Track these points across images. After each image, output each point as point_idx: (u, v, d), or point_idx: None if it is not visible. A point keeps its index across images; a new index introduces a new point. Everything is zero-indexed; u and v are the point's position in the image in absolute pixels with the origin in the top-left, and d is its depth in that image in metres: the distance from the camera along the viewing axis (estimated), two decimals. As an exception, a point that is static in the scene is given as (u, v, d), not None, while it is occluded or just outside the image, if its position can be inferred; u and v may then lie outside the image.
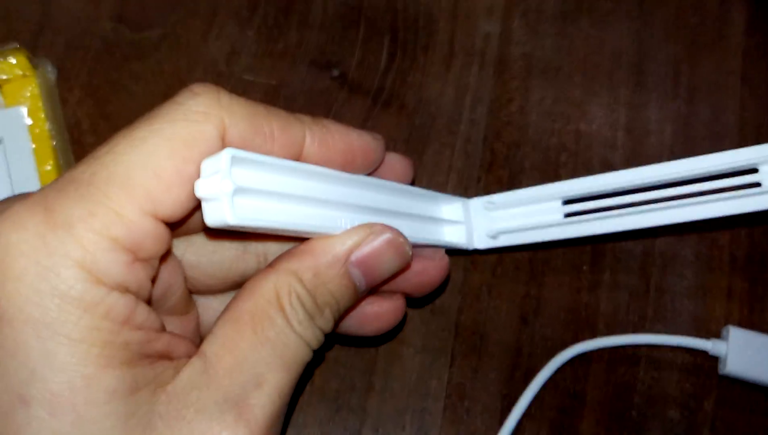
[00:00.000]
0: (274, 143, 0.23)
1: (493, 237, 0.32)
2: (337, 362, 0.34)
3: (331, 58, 0.40)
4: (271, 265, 0.23)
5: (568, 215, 0.31)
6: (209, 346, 0.21)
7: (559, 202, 0.31)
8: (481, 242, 0.32)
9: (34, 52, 0.38)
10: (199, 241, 0.26)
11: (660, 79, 0.40)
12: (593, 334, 0.35)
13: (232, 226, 0.21)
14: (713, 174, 0.28)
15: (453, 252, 0.32)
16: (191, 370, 0.21)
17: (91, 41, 0.39)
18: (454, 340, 0.35)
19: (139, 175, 0.20)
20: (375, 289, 0.26)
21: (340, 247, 0.24)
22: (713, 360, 0.35)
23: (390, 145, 0.38)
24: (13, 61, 0.36)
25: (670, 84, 0.40)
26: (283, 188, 0.23)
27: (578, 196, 0.31)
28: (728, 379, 0.35)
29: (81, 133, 0.38)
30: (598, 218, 0.30)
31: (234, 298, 0.23)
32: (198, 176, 0.21)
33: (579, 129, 0.39)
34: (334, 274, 0.23)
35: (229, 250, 0.27)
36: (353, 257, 0.24)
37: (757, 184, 0.27)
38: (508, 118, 0.39)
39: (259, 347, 0.21)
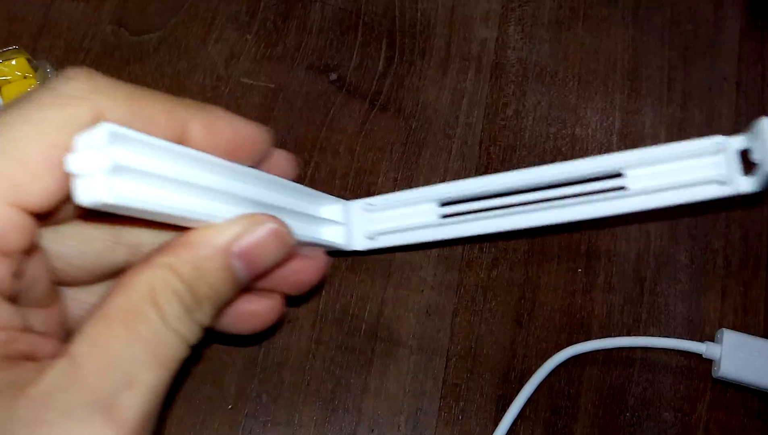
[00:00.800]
0: (157, 128, 0.22)
1: (371, 238, 0.32)
2: (333, 363, 0.34)
3: (329, 62, 0.40)
4: (147, 258, 0.21)
5: (444, 217, 0.32)
6: (77, 346, 0.20)
7: (435, 205, 0.32)
8: (359, 243, 0.33)
9: (34, 54, 0.38)
10: (67, 230, 0.24)
11: (654, 84, 0.41)
12: (588, 337, 0.36)
13: (106, 206, 0.19)
14: (583, 178, 0.29)
15: (333, 253, 0.32)
16: (56, 371, 0.19)
17: (91, 44, 0.39)
18: (449, 341, 0.35)
19: (1, 163, 0.19)
20: (256, 280, 0.25)
21: (221, 238, 0.22)
22: (707, 363, 0.35)
23: (387, 148, 0.38)
24: (13, 62, 0.36)
25: (664, 89, 0.41)
26: (164, 171, 0.21)
27: (454, 199, 0.31)
28: (722, 381, 0.35)
29: (80, 134, 0.38)
30: (473, 220, 0.31)
31: (106, 295, 0.21)
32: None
33: (574, 133, 0.39)
34: (215, 266, 0.22)
35: (98, 240, 0.25)
36: (235, 249, 0.22)
37: (623, 188, 0.28)
38: (504, 122, 0.39)
39: (131, 345, 0.20)
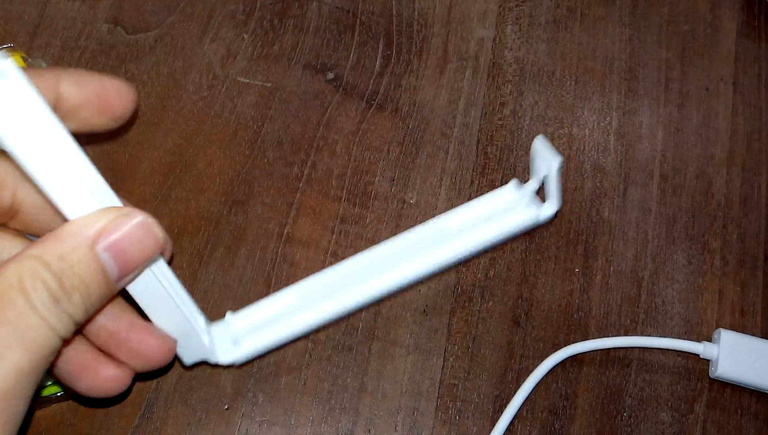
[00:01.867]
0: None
1: (235, 343, 0.31)
2: (330, 362, 0.34)
3: (326, 62, 0.40)
4: (17, 254, 0.22)
5: (236, 343, 0.31)
6: None
7: (294, 298, 0.32)
8: (223, 355, 0.31)
9: (30, 52, 0.38)
10: None
11: (652, 84, 0.41)
12: (585, 337, 0.35)
13: None
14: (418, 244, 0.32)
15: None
16: None
17: (86, 42, 0.39)
18: (446, 341, 0.35)
19: None
20: (128, 278, 0.25)
21: (87, 231, 0.22)
22: (704, 363, 0.35)
23: (384, 148, 0.38)
24: (8, 61, 0.36)
25: (661, 89, 0.41)
26: (44, 143, 0.22)
27: (311, 291, 0.32)
28: (719, 381, 0.35)
29: (76, 133, 0.38)
30: (330, 300, 0.31)
31: None
32: None
33: (571, 133, 0.39)
34: (81, 258, 0.22)
35: None
36: (101, 241, 0.22)
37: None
38: (501, 121, 0.39)
39: None
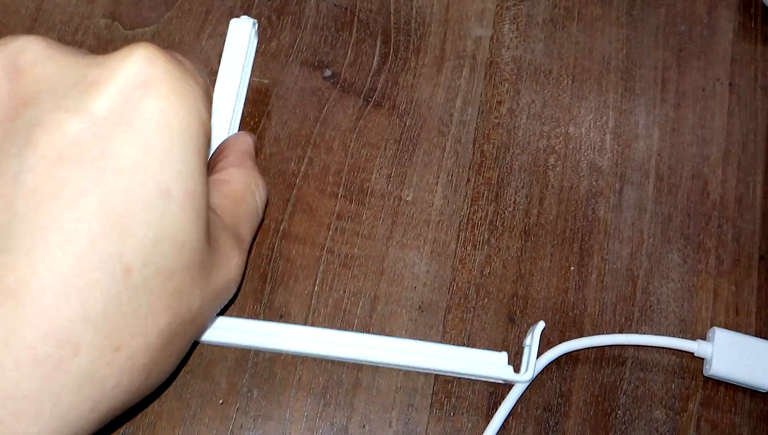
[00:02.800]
0: None
1: None
2: (325, 358, 0.34)
3: (324, 59, 0.40)
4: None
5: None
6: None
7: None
8: None
9: (27, 46, 0.38)
10: None
11: (648, 84, 0.41)
12: (580, 334, 0.36)
13: None
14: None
15: None
16: None
17: (84, 37, 0.39)
18: (441, 338, 0.35)
19: None
20: None
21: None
22: (699, 361, 0.36)
23: (381, 145, 0.38)
24: (6, 54, 0.36)
25: (658, 89, 0.41)
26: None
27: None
28: (713, 380, 0.35)
29: (72, 128, 0.38)
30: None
31: None
32: None
33: (568, 132, 0.39)
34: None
35: None
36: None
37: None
38: (498, 120, 0.39)
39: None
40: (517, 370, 0.34)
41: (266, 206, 0.33)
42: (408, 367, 0.34)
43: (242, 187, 0.29)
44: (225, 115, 0.35)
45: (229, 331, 0.33)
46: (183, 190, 0.22)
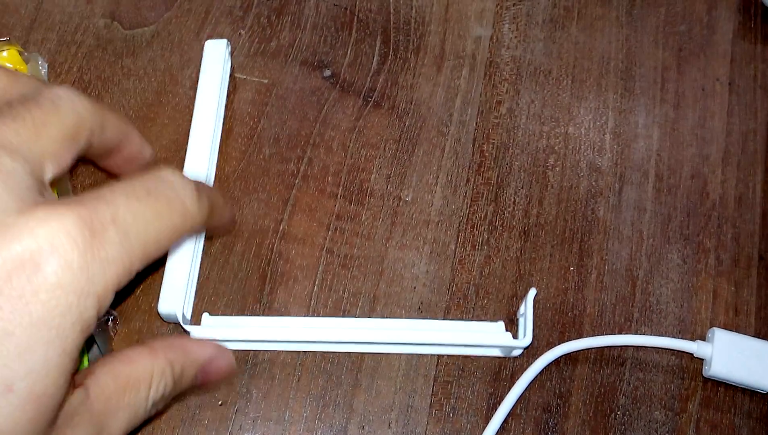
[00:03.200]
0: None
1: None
2: (324, 359, 0.34)
3: (323, 59, 0.40)
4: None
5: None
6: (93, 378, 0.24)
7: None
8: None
9: (26, 46, 0.38)
10: None
11: (648, 84, 0.41)
12: (579, 335, 0.36)
13: None
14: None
15: None
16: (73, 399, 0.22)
17: (83, 37, 0.39)
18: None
19: None
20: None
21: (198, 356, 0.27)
22: (698, 362, 0.36)
23: (381, 145, 0.38)
24: (4, 54, 0.36)
25: (657, 89, 0.41)
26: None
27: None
28: (713, 380, 0.35)
29: (72, 128, 0.38)
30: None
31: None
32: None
33: (567, 132, 0.39)
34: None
35: None
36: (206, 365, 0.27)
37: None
38: (497, 120, 0.39)
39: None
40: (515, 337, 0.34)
41: (166, 406, 0.29)
42: (411, 344, 0.34)
43: (140, 375, 0.24)
44: (204, 141, 0.36)
45: (230, 329, 0.33)
46: (29, 391, 0.19)
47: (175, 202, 0.23)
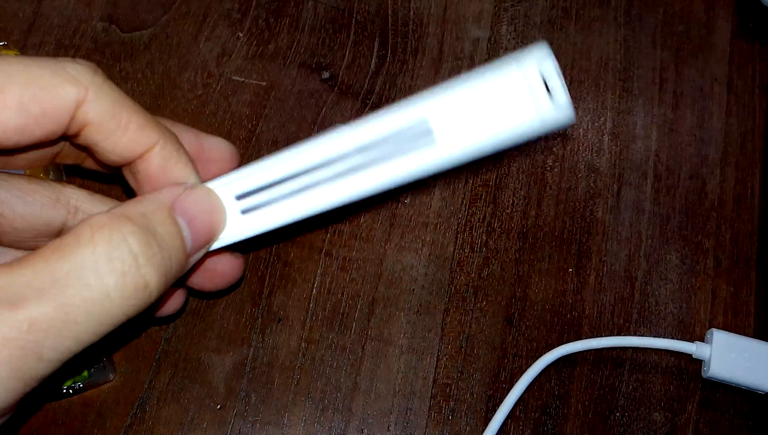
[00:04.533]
0: (125, 134, 0.24)
1: (244, 211, 0.27)
2: (323, 362, 0.34)
3: (322, 61, 0.40)
4: (100, 212, 0.23)
5: (245, 212, 0.27)
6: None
7: (232, 198, 0.27)
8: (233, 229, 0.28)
9: (24, 50, 0.38)
10: (13, 179, 0.26)
11: (646, 84, 0.41)
12: (578, 336, 0.36)
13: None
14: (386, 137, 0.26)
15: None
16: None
17: (81, 41, 0.39)
18: (439, 341, 0.35)
19: None
20: (199, 253, 0.26)
21: (164, 196, 0.25)
22: (697, 363, 0.36)
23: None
24: (2, 58, 0.36)
25: (656, 90, 0.41)
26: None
27: (250, 190, 0.27)
28: (711, 381, 0.35)
29: (70, 131, 0.38)
30: (279, 206, 0.27)
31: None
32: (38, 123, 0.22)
33: (565, 133, 0.39)
34: (163, 218, 0.24)
35: (41, 195, 0.26)
36: (177, 206, 0.25)
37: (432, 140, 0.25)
38: (495, 121, 0.39)
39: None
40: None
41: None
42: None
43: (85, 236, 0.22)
44: None
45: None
46: None
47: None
